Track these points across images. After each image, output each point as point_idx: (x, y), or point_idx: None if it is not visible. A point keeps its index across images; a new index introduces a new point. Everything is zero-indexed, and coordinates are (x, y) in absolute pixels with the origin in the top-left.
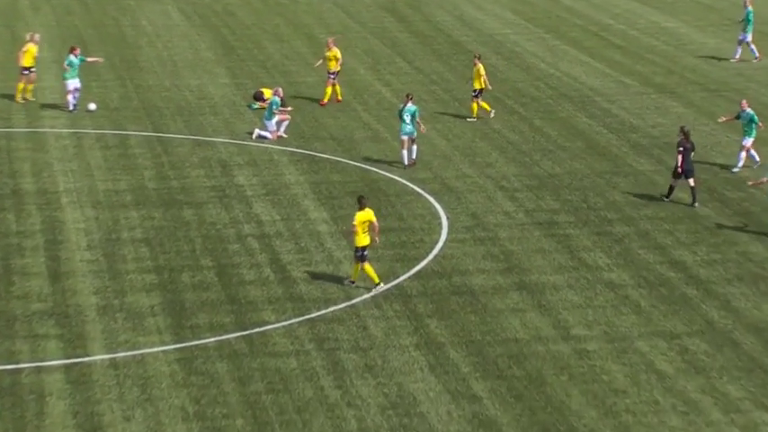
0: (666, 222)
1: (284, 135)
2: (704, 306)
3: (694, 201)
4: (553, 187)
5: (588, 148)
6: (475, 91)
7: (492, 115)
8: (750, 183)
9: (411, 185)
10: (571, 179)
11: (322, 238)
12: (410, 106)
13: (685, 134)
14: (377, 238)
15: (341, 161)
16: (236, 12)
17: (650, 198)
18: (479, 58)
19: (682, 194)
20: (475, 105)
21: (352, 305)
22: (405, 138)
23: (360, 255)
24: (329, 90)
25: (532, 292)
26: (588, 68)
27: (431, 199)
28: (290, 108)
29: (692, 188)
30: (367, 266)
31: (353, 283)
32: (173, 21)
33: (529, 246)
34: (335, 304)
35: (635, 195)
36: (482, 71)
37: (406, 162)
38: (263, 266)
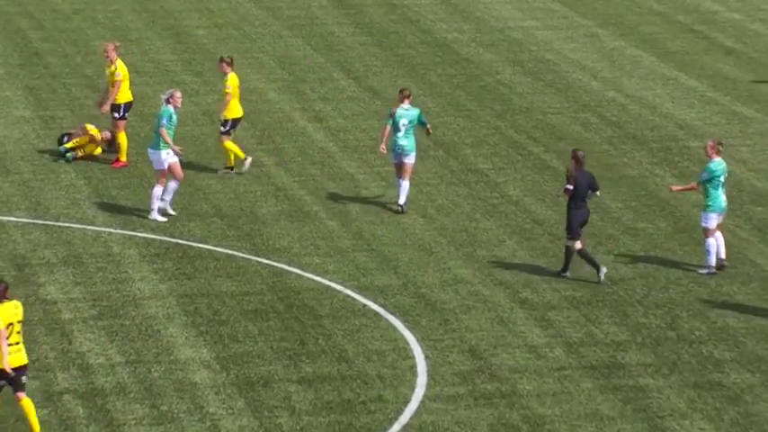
0: None
1: (170, 210)
2: None
3: (565, 269)
4: (615, 301)
5: (678, 233)
6: (225, 123)
7: (247, 166)
8: (675, 188)
9: (361, 298)
10: (648, 287)
11: (200, 396)
12: (406, 108)
13: (577, 160)
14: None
15: (235, 256)
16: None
17: None
18: (231, 64)
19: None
20: (230, 146)
21: None
22: (398, 161)
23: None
24: (121, 139)
25: None
26: (676, 89)
27: (396, 322)
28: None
29: (589, 256)
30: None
31: None
32: None
33: (574, 409)
34: None
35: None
36: (231, 85)
37: (400, 201)
38: None
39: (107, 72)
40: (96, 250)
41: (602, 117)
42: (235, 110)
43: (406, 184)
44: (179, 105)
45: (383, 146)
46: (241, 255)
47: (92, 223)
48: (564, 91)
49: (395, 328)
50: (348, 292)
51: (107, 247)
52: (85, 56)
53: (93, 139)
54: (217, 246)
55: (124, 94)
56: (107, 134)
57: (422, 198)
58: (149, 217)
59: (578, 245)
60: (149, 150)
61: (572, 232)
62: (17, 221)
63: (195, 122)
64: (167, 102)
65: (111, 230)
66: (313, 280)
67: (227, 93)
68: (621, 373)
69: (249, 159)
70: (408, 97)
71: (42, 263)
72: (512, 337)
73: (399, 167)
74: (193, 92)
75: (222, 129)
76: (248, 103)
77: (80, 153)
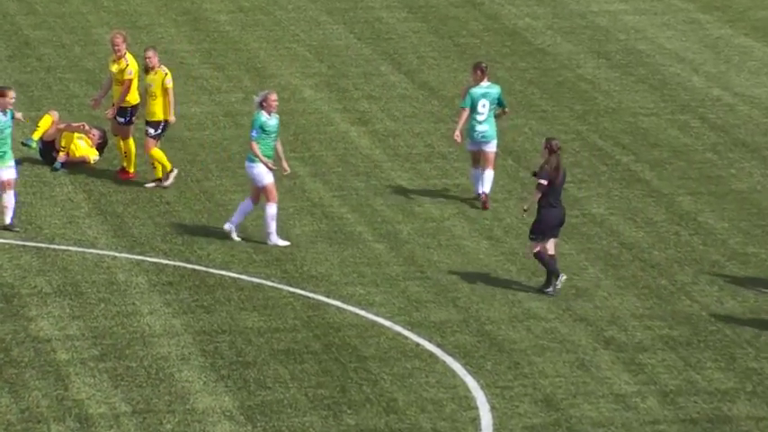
0: None
1: (234, 234)
2: None
3: (548, 284)
4: (720, 342)
5: None
6: (155, 125)
7: (170, 180)
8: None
9: (414, 336)
10: (761, 325)
11: None
12: (486, 86)
13: (551, 149)
14: None
15: (263, 285)
16: None
17: None
18: (153, 58)
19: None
20: (157, 155)
21: None
22: (477, 149)
23: None
24: (128, 146)
25: None
26: None
27: (456, 366)
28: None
29: (546, 260)
30: None
31: None
32: None
33: None
34: None
35: None
36: (162, 85)
37: (478, 191)
38: None
39: (113, 68)
40: (98, 278)
41: (705, 119)
42: (166, 109)
43: (490, 173)
44: (274, 110)
45: (458, 132)
46: (270, 284)
47: (92, 246)
48: (659, 88)
49: (454, 373)
50: (398, 328)
51: (110, 273)
52: (86, 46)
53: (71, 129)
54: (241, 273)
55: (131, 95)
56: (95, 133)
57: (487, 216)
58: (269, 242)
59: (537, 247)
60: (246, 164)
61: (536, 233)
62: (3, 244)
63: (216, 125)
64: (260, 106)
65: (116, 254)
66: (356, 314)
67: (167, 89)
68: (728, 429)
69: (175, 172)
70: (485, 72)
71: (34, 293)
72: (595, 384)
73: (478, 157)
74: (214, 89)
75: (152, 132)
76: (280, 102)
77: (64, 152)
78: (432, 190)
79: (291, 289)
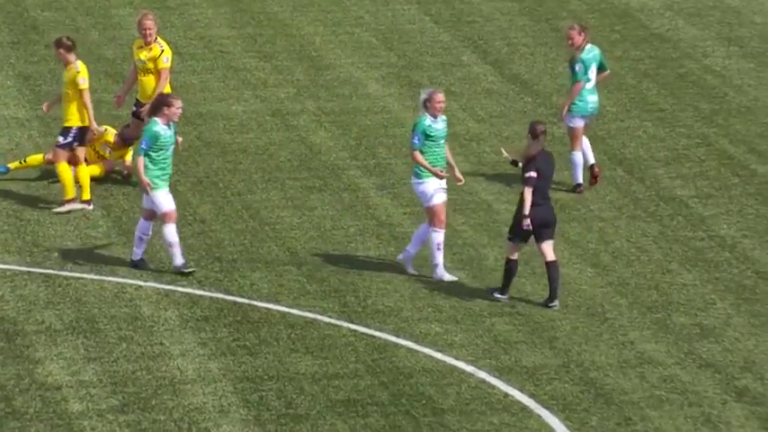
0: None
1: (410, 267)
2: None
3: (551, 299)
4: None
5: None
6: (65, 132)
7: (66, 208)
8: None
9: (502, 384)
10: None
11: None
12: (590, 49)
13: (534, 133)
14: None
15: (318, 321)
16: None
17: None
18: (72, 49)
19: None
20: (64, 172)
21: None
22: (583, 124)
23: None
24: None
25: None
26: None
27: (554, 420)
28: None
29: (549, 264)
30: None
31: None
32: None
33: None
34: None
35: None
36: (85, 78)
37: (580, 179)
38: None
39: (142, 55)
40: (118, 312)
41: None
42: (82, 114)
43: (587, 142)
44: (439, 112)
45: (567, 110)
46: (327, 320)
47: (112, 273)
48: None
49: (551, 430)
50: (482, 374)
51: (134, 307)
52: (104, 30)
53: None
54: (292, 306)
55: (167, 88)
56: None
57: (591, 239)
58: (434, 275)
59: (515, 252)
60: (412, 179)
61: (513, 233)
62: (5, 270)
63: (261, 126)
64: (424, 106)
65: (140, 283)
66: (431, 357)
67: (81, 90)
68: None
69: (75, 206)
70: (586, 34)
71: (41, 330)
72: None
73: (580, 134)
74: (259, 82)
75: (61, 140)
76: (340, 99)
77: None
78: None
79: (353, 326)
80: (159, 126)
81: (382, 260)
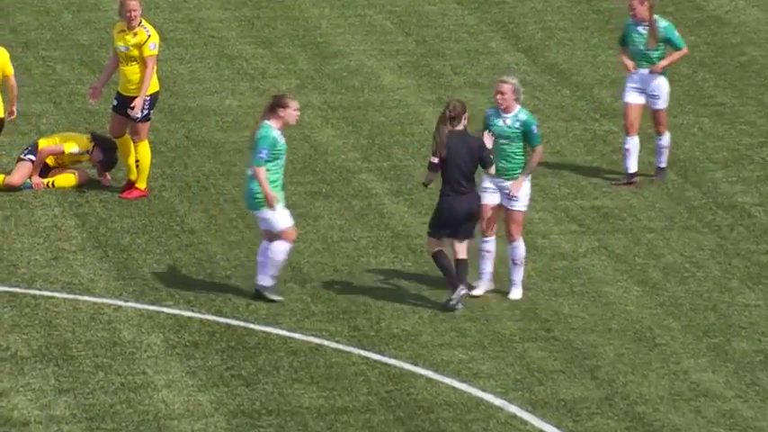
0: None
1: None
2: None
3: (451, 301)
4: None
5: None
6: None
7: None
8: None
9: (536, 420)
10: None
11: None
12: (661, 20)
13: (443, 119)
14: None
15: (324, 347)
16: None
17: None
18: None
19: None
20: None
21: None
22: (637, 102)
23: None
24: (141, 152)
25: None
26: None
27: None
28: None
29: (445, 265)
30: None
31: None
32: None
33: None
34: None
35: None
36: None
37: (632, 168)
38: None
39: (126, 41)
40: (94, 336)
41: None
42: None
43: (666, 138)
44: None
45: (628, 62)
46: (334, 345)
47: (88, 291)
48: None
49: None
50: (513, 409)
51: (112, 330)
52: (78, 12)
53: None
54: (294, 330)
55: (136, 70)
56: (93, 153)
57: (639, 252)
58: (512, 295)
59: (435, 246)
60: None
61: (432, 227)
62: None
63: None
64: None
65: (120, 303)
66: (454, 389)
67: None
68: None
69: None
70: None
71: (5, 357)
72: None
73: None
74: (257, 73)
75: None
76: (349, 92)
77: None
78: (561, 215)
79: (364, 353)
80: (275, 131)
81: (398, 277)
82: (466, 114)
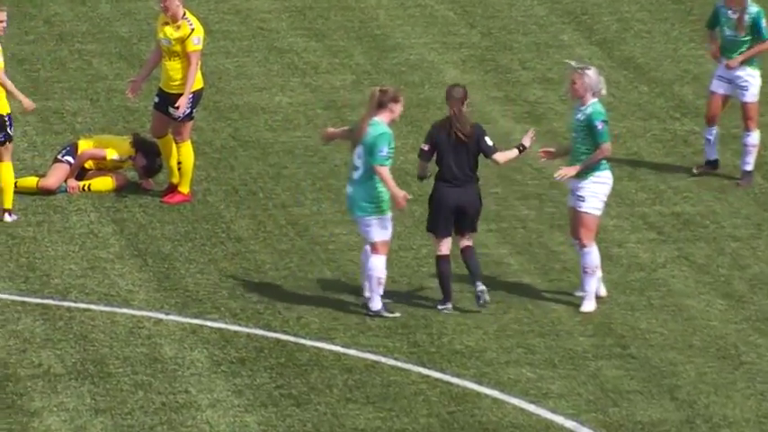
0: None
1: (602, 290)
2: None
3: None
4: None
5: None
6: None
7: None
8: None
9: None
10: None
11: None
12: (752, 5)
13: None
14: None
15: (381, 364)
16: None
17: None
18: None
19: None
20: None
21: None
22: (722, 91)
23: None
24: (184, 153)
25: None
26: None
27: None
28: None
29: (444, 273)
30: None
31: None
32: None
33: None
34: None
35: None
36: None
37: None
38: None
39: (167, 33)
40: (133, 352)
41: None
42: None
43: (755, 137)
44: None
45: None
46: (392, 362)
47: (126, 303)
48: None
49: None
50: (586, 431)
51: (152, 345)
52: (117, 3)
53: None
54: (349, 346)
55: (177, 65)
56: (136, 159)
57: (723, 263)
58: (584, 308)
59: (441, 246)
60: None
61: (429, 222)
62: None
63: (311, 122)
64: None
65: (161, 316)
66: (522, 410)
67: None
68: None
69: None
70: None
71: (38, 374)
72: None
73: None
74: (309, 68)
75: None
76: (409, 88)
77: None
78: (638, 222)
79: (424, 371)
80: (386, 126)
81: (460, 289)
82: (465, 99)
